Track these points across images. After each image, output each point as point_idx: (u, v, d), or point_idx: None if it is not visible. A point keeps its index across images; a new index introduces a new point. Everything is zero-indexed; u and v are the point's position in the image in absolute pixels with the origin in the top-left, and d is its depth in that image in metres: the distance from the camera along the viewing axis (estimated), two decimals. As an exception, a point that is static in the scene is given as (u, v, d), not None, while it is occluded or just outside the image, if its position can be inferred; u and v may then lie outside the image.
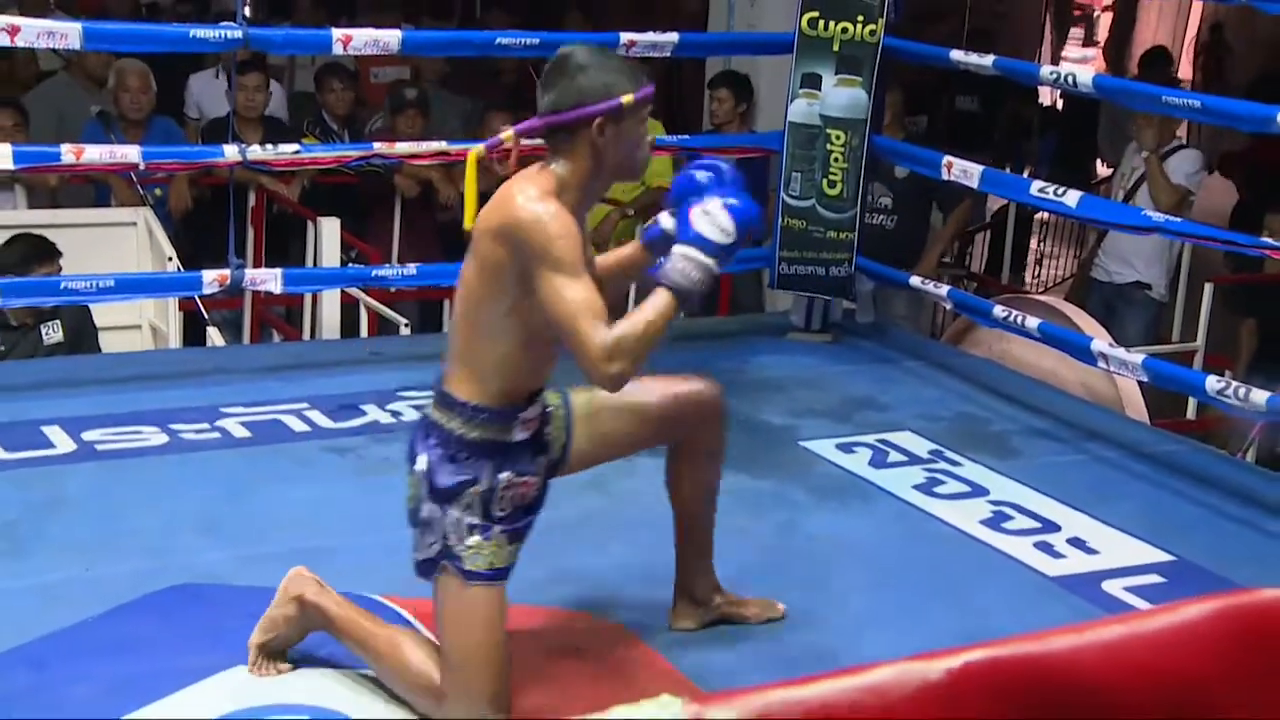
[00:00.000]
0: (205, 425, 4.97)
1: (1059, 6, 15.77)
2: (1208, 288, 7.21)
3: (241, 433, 4.94)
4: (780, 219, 6.28)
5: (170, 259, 6.64)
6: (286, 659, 3.41)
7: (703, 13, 9.26)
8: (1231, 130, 8.67)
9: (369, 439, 4.96)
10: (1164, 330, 7.78)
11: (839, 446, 5.10)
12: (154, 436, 4.85)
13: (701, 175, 3.32)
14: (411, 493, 3.24)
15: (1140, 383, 5.57)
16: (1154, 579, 4.24)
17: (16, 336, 5.97)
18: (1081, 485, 4.91)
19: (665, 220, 3.41)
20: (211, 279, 5.58)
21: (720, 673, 3.51)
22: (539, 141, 3.25)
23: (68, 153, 5.37)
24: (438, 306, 7.99)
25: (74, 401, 5.09)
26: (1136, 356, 5.23)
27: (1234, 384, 4.90)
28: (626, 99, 3.14)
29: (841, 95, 6.16)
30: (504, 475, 3.21)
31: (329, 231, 6.94)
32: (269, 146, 5.75)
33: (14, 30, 5.11)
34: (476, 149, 3.35)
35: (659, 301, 3.07)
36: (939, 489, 4.82)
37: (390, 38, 5.71)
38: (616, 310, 3.11)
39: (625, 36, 6.02)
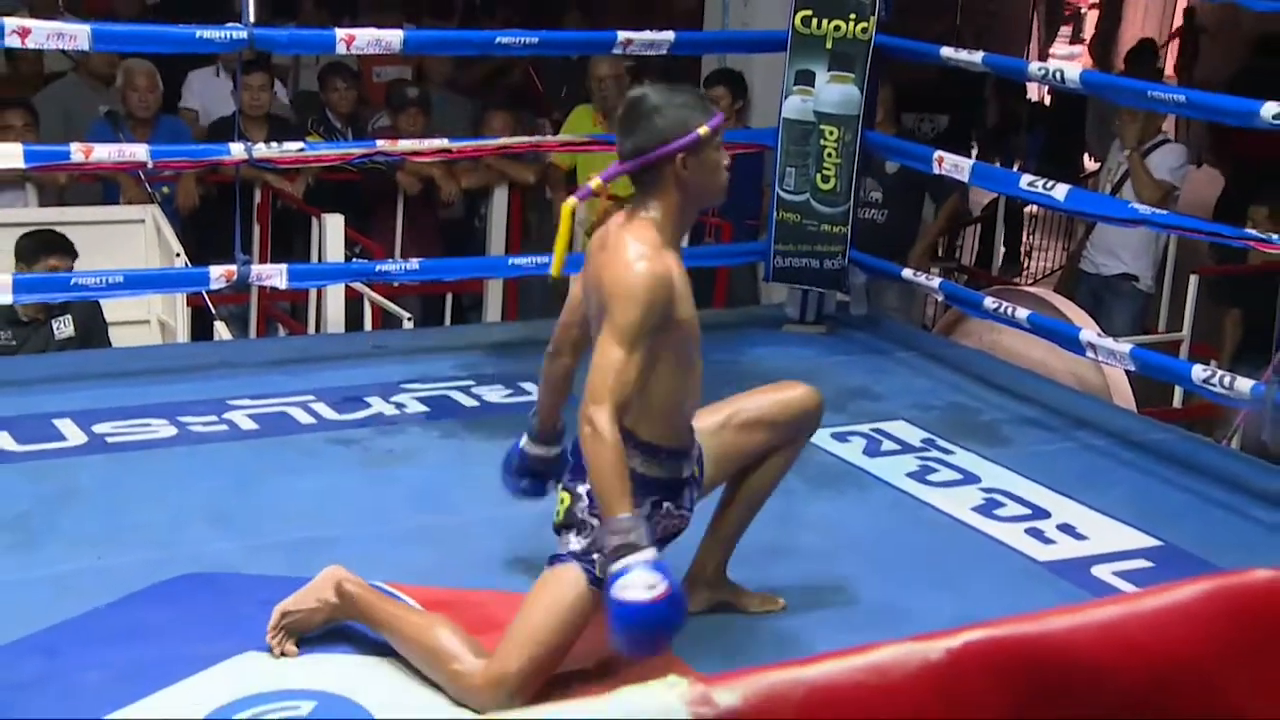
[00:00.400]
0: (213, 418, 4.97)
1: (1050, 4, 15.76)
2: (1193, 279, 7.22)
3: (248, 425, 4.94)
4: (775, 213, 6.28)
5: (178, 255, 6.63)
6: (298, 643, 3.41)
7: (698, 11, 9.24)
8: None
9: (373, 431, 4.96)
10: (1150, 321, 7.79)
11: (834, 436, 5.10)
12: (163, 429, 4.85)
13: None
14: (562, 506, 3.34)
15: (1128, 372, 5.58)
16: (1142, 564, 4.25)
17: (28, 331, 5.97)
18: (1071, 472, 4.91)
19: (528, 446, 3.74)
20: (218, 275, 5.58)
21: (719, 656, 3.52)
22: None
23: (77, 151, 5.37)
24: (440, 301, 8.01)
25: (84, 395, 5.09)
26: (1124, 346, 5.24)
27: (1219, 373, 4.91)
28: (703, 130, 3.27)
29: (834, 92, 6.16)
30: (666, 506, 3.36)
31: (333, 228, 6.94)
32: (274, 145, 5.75)
33: (25, 32, 5.11)
34: (570, 201, 3.47)
35: (620, 498, 3.10)
36: (932, 477, 4.83)
37: (392, 37, 5.71)
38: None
39: (623, 35, 6.02)
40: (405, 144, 6.13)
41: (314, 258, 7.15)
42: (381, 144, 6.05)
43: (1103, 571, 4.18)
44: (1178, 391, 6.54)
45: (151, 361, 5.65)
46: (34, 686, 3.26)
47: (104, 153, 5.48)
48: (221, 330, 6.44)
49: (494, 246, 8.10)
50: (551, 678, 3.29)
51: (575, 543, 3.29)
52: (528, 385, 5.44)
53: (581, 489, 3.30)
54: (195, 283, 5.85)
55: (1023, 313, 5.61)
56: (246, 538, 4.06)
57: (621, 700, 1.35)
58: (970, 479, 4.82)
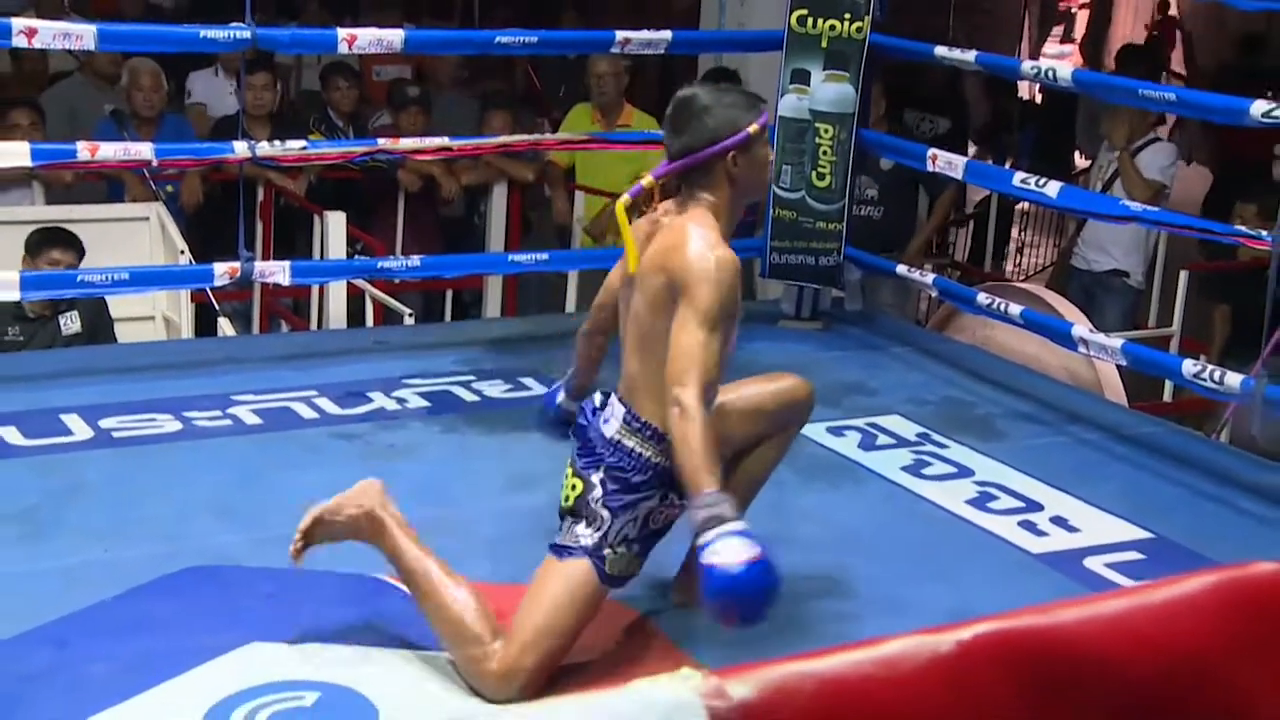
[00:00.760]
0: (217, 413, 4.96)
1: (1044, 4, 15.77)
2: (1183, 275, 7.22)
3: (252, 420, 4.94)
4: (771, 210, 6.28)
5: (182, 252, 6.63)
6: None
7: (694, 11, 9.25)
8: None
9: (375, 425, 4.96)
10: (1141, 316, 7.78)
11: (829, 430, 5.10)
12: (168, 424, 4.85)
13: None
14: (573, 493, 3.33)
15: (1119, 367, 5.57)
16: (1133, 556, 4.25)
17: (35, 327, 5.96)
18: (1063, 466, 4.91)
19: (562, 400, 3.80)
20: (222, 271, 5.58)
21: (718, 647, 3.52)
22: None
23: (84, 150, 5.37)
24: (440, 297, 8.01)
25: (91, 390, 5.08)
26: (1116, 341, 5.24)
27: (1209, 367, 4.92)
28: (753, 129, 3.32)
29: (830, 90, 6.16)
30: (671, 497, 3.36)
31: (335, 225, 6.94)
32: (277, 143, 5.75)
33: (31, 32, 5.11)
34: (623, 199, 3.42)
35: (705, 475, 3.08)
36: (926, 470, 4.83)
37: (394, 37, 5.71)
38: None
39: (620, 34, 6.03)
40: (406, 142, 6.14)
41: (316, 255, 7.15)
42: (383, 142, 6.06)
43: (1095, 563, 4.18)
44: (1168, 386, 6.54)
45: (157, 357, 5.64)
46: (43, 677, 3.25)
47: (109, 151, 5.48)
48: (225, 326, 6.44)
49: (494, 243, 8.10)
50: (557, 669, 3.30)
51: (587, 536, 3.29)
52: (527, 380, 5.44)
53: (595, 478, 3.30)
54: (199, 279, 5.85)
55: (1016, 308, 5.62)
56: (251, 531, 4.05)
57: (638, 692, 1.35)
58: (964, 472, 4.82)
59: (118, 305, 6.34)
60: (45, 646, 3.39)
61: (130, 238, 6.84)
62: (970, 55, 5.88)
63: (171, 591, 3.70)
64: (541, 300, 8.03)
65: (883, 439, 5.09)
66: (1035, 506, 4.56)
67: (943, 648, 1.45)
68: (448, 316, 7.95)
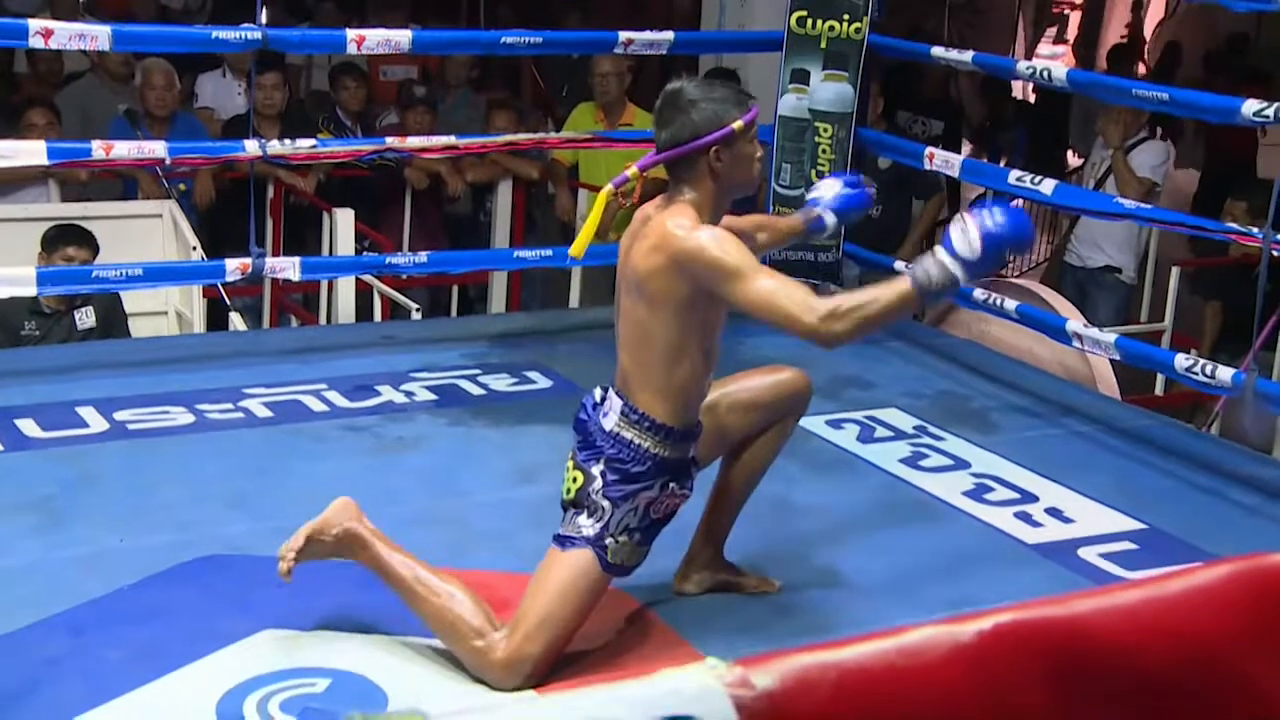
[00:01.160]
0: (229, 405, 4.97)
1: (1039, 5, 15.76)
2: (1174, 271, 7.22)
3: (263, 412, 4.94)
4: (771, 208, 6.28)
5: (194, 249, 6.64)
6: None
7: (695, 12, 9.26)
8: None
9: (383, 418, 4.96)
10: (1133, 311, 7.79)
11: (828, 423, 5.11)
12: (181, 416, 4.85)
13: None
14: (574, 485, 3.33)
15: (1112, 361, 5.58)
16: (1127, 546, 4.25)
17: (51, 322, 5.97)
18: (1058, 458, 4.92)
19: (828, 217, 3.89)
20: (233, 267, 5.59)
21: (719, 637, 3.53)
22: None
23: (98, 148, 5.38)
24: (447, 292, 8.01)
25: (106, 383, 5.09)
26: (1109, 336, 5.24)
27: (1200, 361, 4.92)
28: (737, 125, 3.29)
29: (829, 90, 6.17)
30: (672, 486, 3.37)
31: (344, 222, 6.95)
32: (287, 142, 5.75)
33: (48, 33, 5.11)
34: (606, 189, 3.45)
35: (894, 286, 3.17)
36: (923, 462, 4.83)
37: (401, 37, 5.71)
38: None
39: (624, 35, 6.03)
40: (413, 141, 6.14)
41: (325, 251, 7.15)
42: (390, 141, 6.06)
43: (1089, 553, 4.19)
44: (1160, 380, 6.54)
45: (170, 351, 5.64)
46: (61, 663, 3.27)
47: (123, 150, 5.48)
48: (236, 321, 6.44)
49: (499, 239, 8.11)
50: (562, 658, 3.31)
51: (588, 527, 3.29)
52: (532, 374, 5.45)
53: (595, 469, 3.30)
54: (211, 275, 5.85)
55: (1011, 304, 5.62)
56: (262, 521, 4.06)
57: (662, 681, 1.35)
58: (961, 464, 4.83)
59: (131, 300, 6.35)
60: (63, 633, 3.40)
61: (144, 234, 6.85)
62: (967, 55, 5.89)
63: (185, 580, 3.71)
64: (546, 295, 8.04)
65: (881, 432, 5.09)
66: (1030, 498, 4.57)
67: (964, 638, 1.45)
68: (454, 311, 7.96)
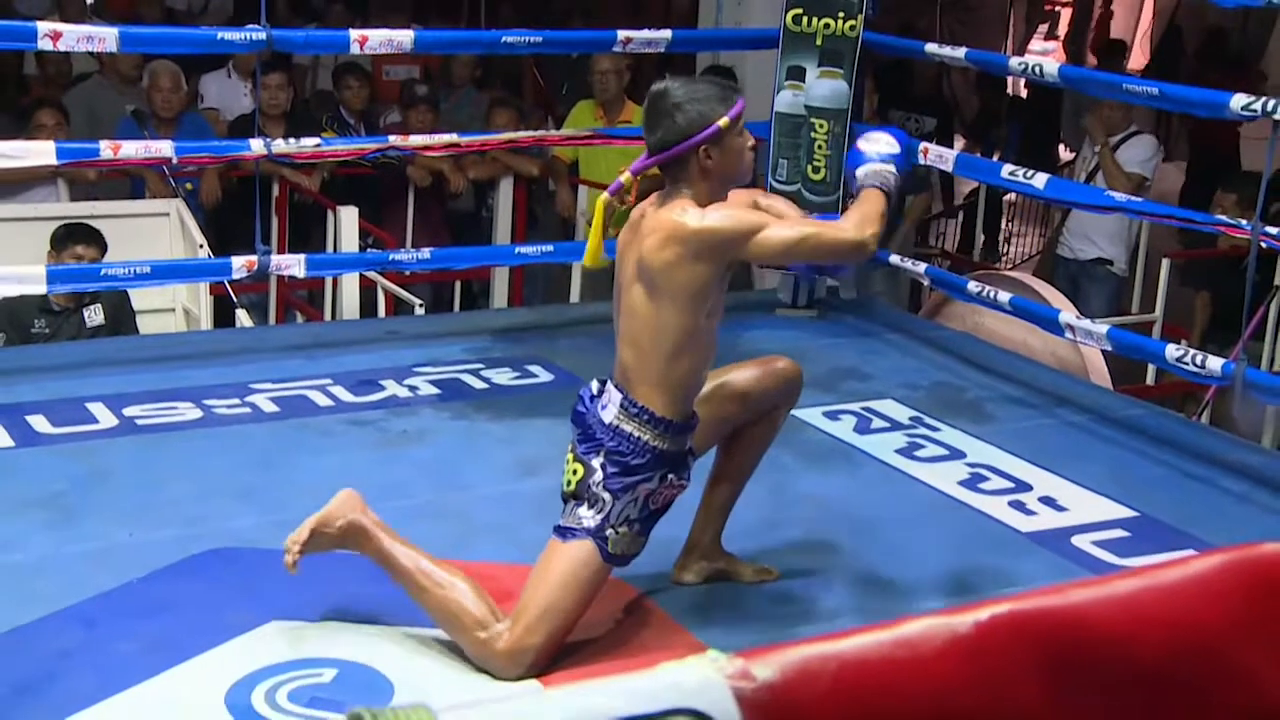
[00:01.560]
0: (236, 401, 4.97)
1: (1032, 3, 15.75)
2: (1165, 263, 7.22)
3: (270, 407, 4.94)
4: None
5: (201, 246, 6.63)
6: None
7: (693, 10, 9.25)
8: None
9: (387, 412, 4.96)
10: (1125, 303, 7.78)
11: (826, 414, 5.11)
12: (189, 411, 4.85)
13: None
14: (574, 477, 3.33)
15: (1104, 351, 5.57)
16: (1119, 533, 4.25)
17: (61, 320, 5.97)
18: (1051, 447, 4.92)
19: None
20: (240, 264, 5.58)
21: (718, 625, 3.53)
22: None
23: (106, 149, 5.37)
24: (450, 288, 8.01)
25: (115, 380, 5.09)
26: (1101, 327, 5.24)
27: (1190, 352, 4.91)
28: (723, 122, 3.29)
29: (824, 86, 6.16)
30: (670, 477, 3.36)
31: (348, 219, 6.94)
32: (292, 141, 5.74)
33: (56, 35, 5.11)
34: (604, 195, 3.45)
35: (871, 198, 3.43)
36: (919, 453, 4.83)
37: (404, 37, 5.71)
38: None
39: (622, 34, 6.02)
40: (415, 139, 6.14)
41: (330, 248, 7.14)
42: (393, 139, 6.05)
43: (1082, 541, 4.18)
44: (1151, 369, 6.54)
45: (177, 348, 5.64)
46: (73, 655, 3.27)
47: (131, 150, 5.48)
48: (243, 317, 6.44)
49: (500, 236, 8.10)
50: (563, 647, 3.31)
51: (589, 518, 3.29)
52: (534, 368, 5.45)
53: (595, 462, 3.29)
54: (218, 272, 5.84)
55: (1004, 296, 5.62)
56: (269, 513, 4.05)
57: (663, 673, 1.34)
58: (956, 454, 4.82)
59: (140, 298, 6.34)
60: (75, 626, 3.41)
61: (151, 233, 6.84)
62: (960, 52, 5.88)
63: (194, 573, 3.71)
64: (547, 290, 8.03)
65: (877, 423, 5.09)
66: (1024, 487, 4.57)
67: (961, 628, 1.44)
68: (457, 307, 7.95)
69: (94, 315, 6.02)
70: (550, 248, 6.42)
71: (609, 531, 3.28)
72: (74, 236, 5.96)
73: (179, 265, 6.31)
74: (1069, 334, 5.31)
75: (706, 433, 3.54)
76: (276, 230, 7.58)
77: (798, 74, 6.18)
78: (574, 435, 3.38)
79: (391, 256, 6.12)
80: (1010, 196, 10.91)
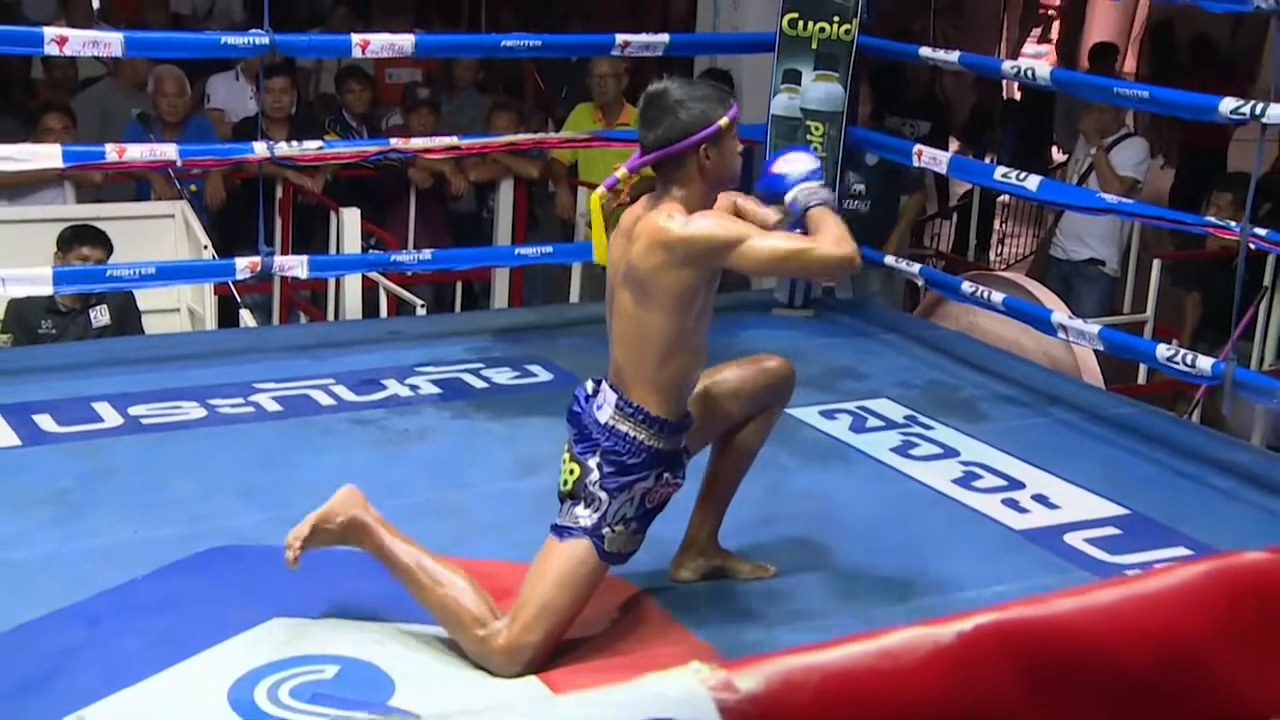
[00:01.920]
0: (240, 400, 4.96)
1: (1026, 7, 15.74)
2: (1156, 263, 7.22)
3: (273, 406, 4.94)
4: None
5: (206, 247, 6.63)
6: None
7: (690, 15, 9.24)
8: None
9: (389, 411, 4.96)
10: (1117, 303, 7.79)
11: (821, 413, 5.10)
12: (193, 411, 4.85)
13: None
14: (571, 477, 3.32)
15: (1096, 351, 5.57)
16: (1110, 531, 4.25)
17: (67, 321, 5.96)
18: (1044, 446, 4.91)
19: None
20: (244, 265, 5.58)
21: (716, 622, 3.53)
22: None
23: (111, 152, 5.38)
24: (451, 288, 8.00)
25: (120, 379, 5.08)
26: (1093, 327, 5.24)
27: (1181, 351, 4.91)
28: (723, 122, 3.29)
29: (819, 89, 6.16)
30: (665, 476, 3.36)
31: (350, 221, 6.94)
32: (295, 143, 5.74)
33: (62, 40, 5.10)
34: (600, 191, 3.45)
35: (827, 215, 3.38)
36: (914, 451, 4.82)
37: (404, 41, 5.71)
38: None
39: (620, 37, 6.01)
40: (417, 142, 6.13)
41: (333, 249, 7.13)
42: (395, 142, 6.05)
43: (1074, 539, 4.18)
44: (1142, 369, 6.54)
45: (182, 348, 5.64)
46: (79, 652, 3.27)
47: (136, 153, 5.48)
48: (247, 318, 6.43)
49: (501, 237, 8.09)
50: (561, 644, 3.31)
51: (586, 517, 3.28)
52: (534, 368, 5.44)
53: (591, 462, 3.29)
54: (222, 273, 5.84)
55: (998, 296, 5.62)
56: (272, 511, 4.05)
57: (645, 685, 1.33)
58: (950, 453, 4.82)
59: (145, 298, 6.33)
60: (80, 623, 3.40)
61: (157, 234, 6.84)
62: (953, 56, 5.89)
63: (198, 570, 3.71)
64: (547, 291, 8.02)
65: (872, 421, 5.08)
66: (1017, 485, 4.56)
67: (944, 639, 1.43)
68: (458, 307, 7.94)
69: (100, 316, 6.02)
70: (550, 249, 6.42)
71: (605, 530, 3.28)
72: (80, 238, 5.95)
73: (183, 266, 6.31)
74: (1061, 334, 5.31)
75: (701, 431, 3.53)
76: (280, 231, 7.58)
77: (794, 77, 6.18)
78: (570, 435, 3.38)
79: (393, 257, 6.12)
80: (1004, 198, 10.90)
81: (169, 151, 5.57)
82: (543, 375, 5.38)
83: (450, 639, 3.32)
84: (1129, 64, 14.29)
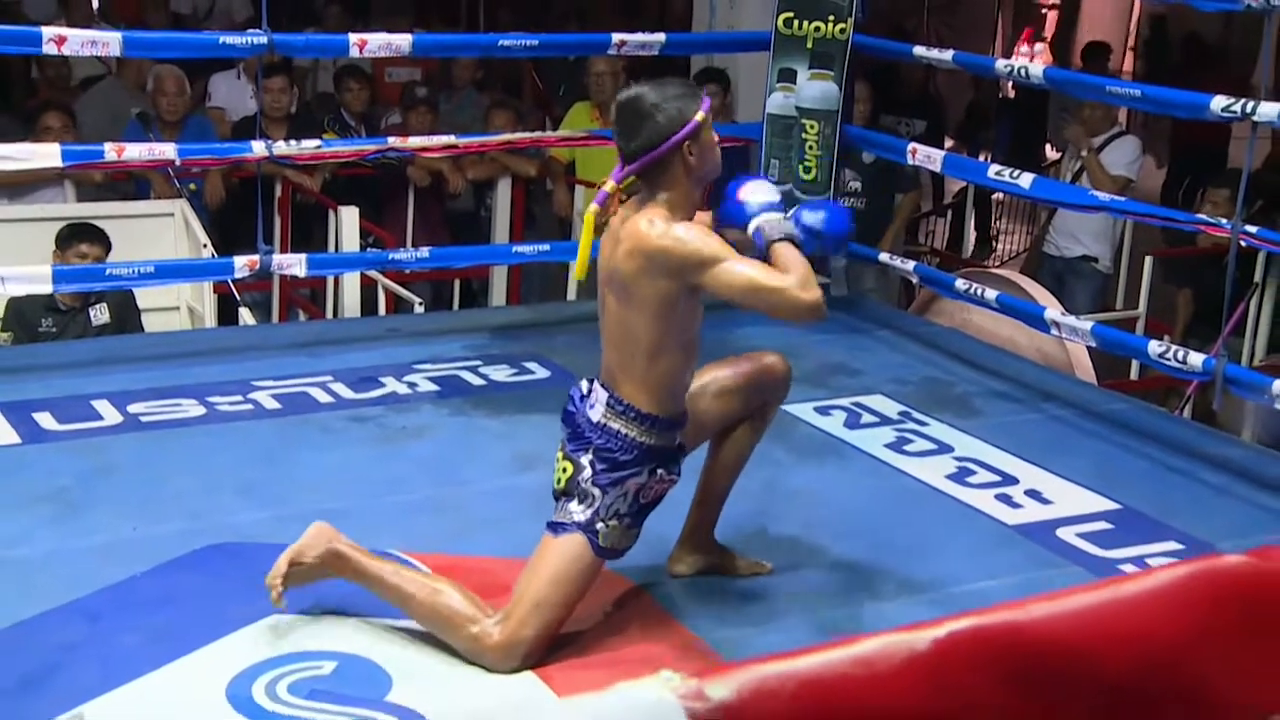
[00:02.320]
0: (239, 397, 4.95)
1: (1019, 5, 15.74)
2: (1148, 260, 7.22)
3: (272, 404, 4.93)
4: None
5: (205, 246, 6.62)
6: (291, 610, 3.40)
7: (687, 14, 9.24)
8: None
9: (387, 409, 4.95)
10: (1109, 299, 7.79)
11: (817, 410, 5.10)
12: (193, 408, 4.84)
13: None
14: (564, 475, 3.32)
15: (1089, 347, 5.57)
16: (1103, 526, 4.24)
17: (67, 319, 5.96)
18: (1037, 441, 4.91)
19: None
20: (243, 264, 5.57)
21: (713, 618, 3.52)
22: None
23: (110, 151, 5.37)
24: (449, 286, 8.00)
25: (120, 377, 5.08)
26: (1085, 324, 5.24)
27: (1173, 347, 4.91)
28: (699, 116, 3.28)
29: (815, 88, 6.15)
30: (659, 472, 3.35)
31: (348, 219, 6.93)
32: (293, 142, 5.73)
33: (61, 40, 5.09)
34: (592, 207, 3.41)
35: (786, 249, 3.33)
36: (908, 447, 4.82)
37: (402, 41, 5.69)
38: None
39: (617, 37, 6.01)
40: (415, 140, 6.13)
41: (331, 247, 7.13)
42: (393, 141, 6.04)
43: (1067, 533, 4.18)
44: (1135, 365, 6.53)
45: (181, 346, 5.63)
46: (78, 648, 3.26)
47: (135, 152, 5.47)
48: (246, 316, 6.42)
49: (499, 235, 8.09)
50: (557, 638, 3.30)
51: (579, 513, 3.28)
52: (531, 365, 5.44)
53: (584, 459, 3.29)
54: (221, 272, 5.83)
55: (991, 293, 5.61)
56: (271, 509, 4.05)
57: (618, 694, 1.33)
58: (944, 449, 4.81)
59: (145, 297, 6.33)
60: (79, 619, 3.40)
61: (156, 233, 6.83)
62: (947, 55, 5.88)
63: (196, 567, 3.70)
64: (544, 289, 8.02)
65: (867, 418, 5.08)
66: (1011, 480, 4.56)
67: (919, 645, 1.43)
68: (455, 305, 7.94)
69: (100, 314, 6.02)
70: (547, 247, 6.41)
71: (599, 525, 3.27)
72: (78, 236, 5.95)
73: (182, 265, 6.30)
74: (1054, 330, 5.31)
75: (697, 428, 3.53)
76: (279, 230, 7.58)
77: (789, 76, 6.18)
78: (564, 434, 3.38)
79: (391, 255, 6.11)
80: (998, 195, 10.90)
81: (168, 151, 5.57)
82: (540, 372, 5.37)
83: (447, 637, 3.32)
84: (1126, 63, 14.29)
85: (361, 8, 11.24)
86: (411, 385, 5.18)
